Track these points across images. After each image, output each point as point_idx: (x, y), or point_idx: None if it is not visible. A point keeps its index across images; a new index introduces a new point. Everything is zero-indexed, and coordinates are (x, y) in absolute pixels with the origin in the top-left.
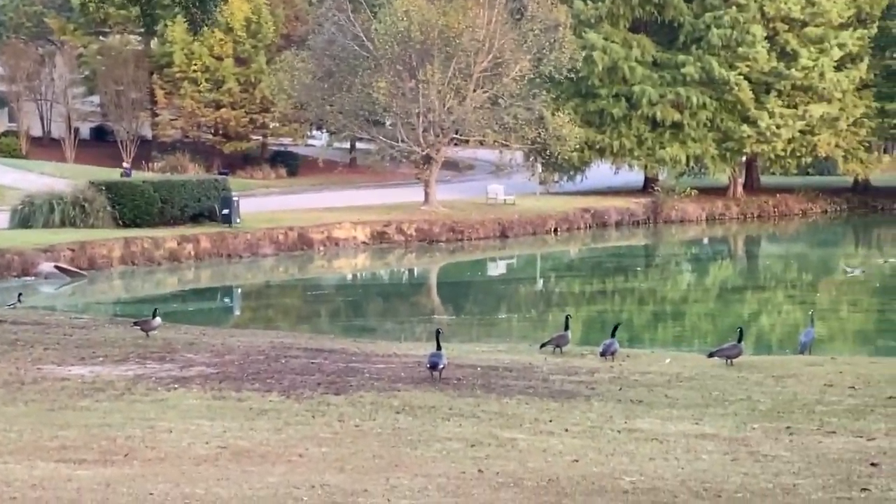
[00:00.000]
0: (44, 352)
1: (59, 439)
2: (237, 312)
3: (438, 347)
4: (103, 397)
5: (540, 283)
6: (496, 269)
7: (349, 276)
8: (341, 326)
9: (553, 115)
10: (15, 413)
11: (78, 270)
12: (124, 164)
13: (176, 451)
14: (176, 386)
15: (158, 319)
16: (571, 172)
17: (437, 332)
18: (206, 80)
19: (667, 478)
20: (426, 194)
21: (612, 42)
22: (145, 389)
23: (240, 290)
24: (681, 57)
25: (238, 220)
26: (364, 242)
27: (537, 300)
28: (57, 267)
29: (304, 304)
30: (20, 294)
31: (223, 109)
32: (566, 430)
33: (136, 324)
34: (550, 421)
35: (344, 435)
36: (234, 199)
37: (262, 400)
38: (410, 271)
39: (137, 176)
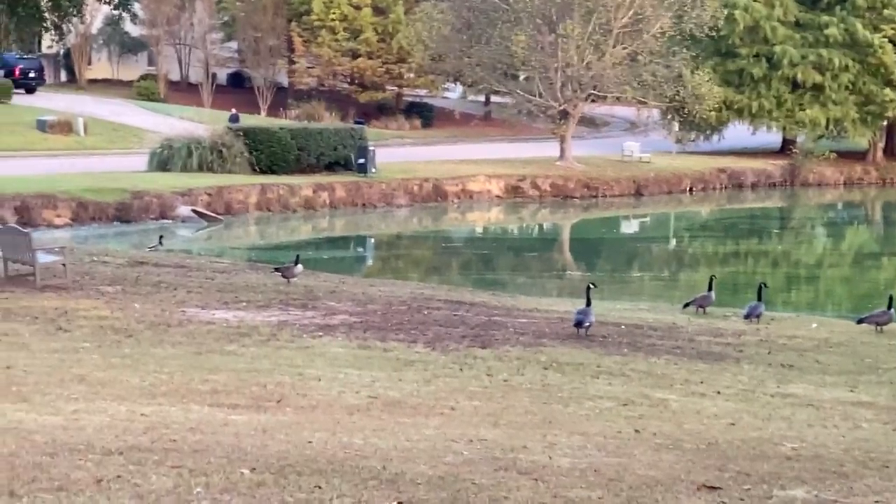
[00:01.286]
0: (187, 295)
1: (210, 383)
2: (370, 262)
3: (588, 303)
4: (249, 342)
5: (673, 242)
6: (629, 227)
7: (482, 230)
8: (472, 279)
9: (692, 73)
10: (163, 355)
11: (214, 215)
12: (232, 110)
13: (327, 399)
14: (320, 334)
15: (300, 266)
16: (708, 132)
17: (588, 288)
18: (344, 30)
19: (829, 445)
20: (561, 150)
21: (755, 1)
22: (290, 336)
23: (373, 240)
24: (824, 18)
25: (374, 170)
26: (498, 196)
27: (670, 260)
28: (194, 211)
29: (437, 256)
30: (161, 237)
31: (360, 59)
32: (718, 393)
33: (277, 270)
34: (701, 382)
35: (493, 389)
36: (371, 148)
37: (407, 351)
38: (543, 227)
39: (274, 123)
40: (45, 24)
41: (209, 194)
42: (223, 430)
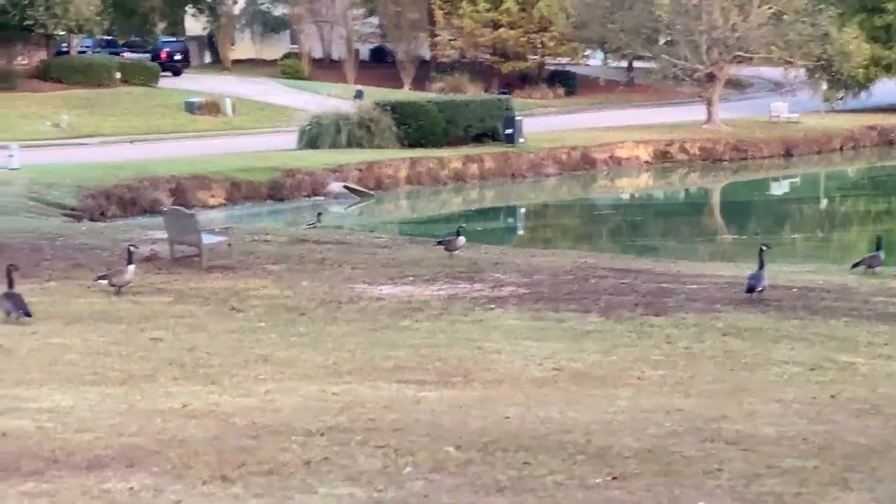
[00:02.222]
0: (352, 271)
1: (392, 360)
2: (521, 232)
3: (761, 266)
4: (422, 317)
5: (824, 202)
6: (779, 188)
7: (630, 196)
8: (625, 246)
9: (838, 30)
10: (340, 333)
11: (366, 190)
12: (357, 87)
13: (512, 372)
14: (492, 306)
15: (462, 239)
16: (856, 89)
17: (761, 251)
18: (485, 0)
19: None
20: (708, 113)
21: None
22: (462, 309)
23: (523, 210)
24: None
25: (521, 140)
26: (647, 161)
27: (822, 220)
28: (346, 187)
29: (588, 224)
30: (320, 214)
31: (501, 29)
32: None
33: (439, 243)
34: (885, 345)
35: (676, 357)
36: (518, 118)
37: (582, 321)
38: (693, 190)
39: (421, 96)
40: (199, 6)
41: (360, 170)
42: (417, 407)
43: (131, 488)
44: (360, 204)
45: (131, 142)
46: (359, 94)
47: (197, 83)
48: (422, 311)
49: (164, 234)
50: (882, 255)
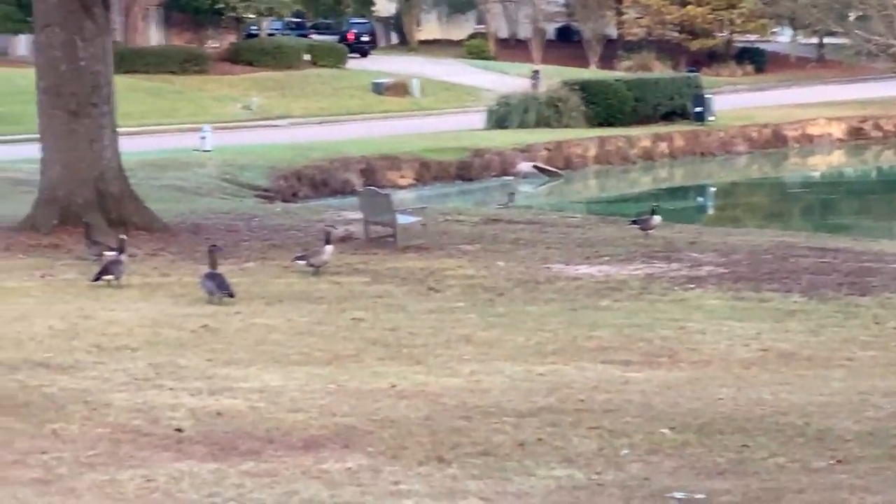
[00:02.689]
0: (547, 251)
1: (595, 340)
2: (711, 211)
3: None
4: (622, 297)
5: None
6: None
7: (822, 174)
8: (816, 224)
9: None
10: (539, 313)
11: (555, 170)
12: (534, 68)
13: (718, 353)
14: (691, 286)
15: (657, 218)
16: None
17: None
18: None
19: None
20: None
21: None
22: (661, 289)
23: (713, 189)
24: None
25: (711, 118)
26: (839, 139)
27: None
28: (535, 166)
29: (779, 202)
30: (512, 193)
31: (689, 7)
32: None
33: (634, 222)
34: None
35: (886, 339)
36: (707, 96)
37: (785, 301)
38: (887, 168)
39: (609, 75)
40: None
41: (548, 149)
42: (626, 388)
43: (349, 468)
44: (549, 184)
45: (320, 123)
46: (535, 75)
47: (384, 64)
48: (620, 291)
49: (357, 215)
50: None
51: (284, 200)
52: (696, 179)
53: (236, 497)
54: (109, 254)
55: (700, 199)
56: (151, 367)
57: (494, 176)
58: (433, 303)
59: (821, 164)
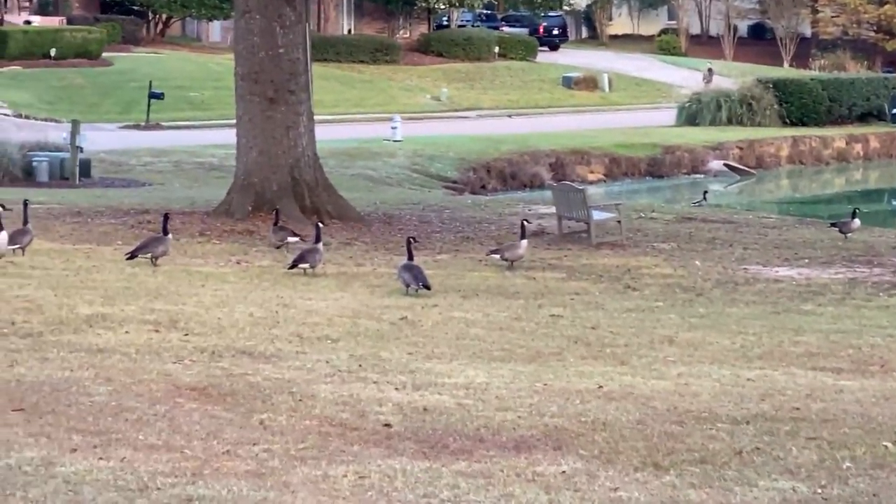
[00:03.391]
0: (744, 251)
1: (801, 345)
2: None
3: None
4: (824, 301)
5: None
6: None
7: None
8: None
9: None
10: (740, 315)
11: (746, 169)
12: (707, 64)
13: None
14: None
15: (857, 221)
16: None
17: None
18: None
19: None
20: None
21: None
22: (865, 295)
23: None
24: None
25: None
26: None
27: None
28: (726, 165)
29: None
30: (706, 192)
31: (887, 6)
32: None
33: (833, 225)
34: None
35: None
36: None
37: None
38: None
39: (804, 74)
40: None
41: (740, 148)
42: (841, 397)
43: (563, 472)
44: (741, 183)
45: (509, 116)
46: (709, 73)
47: (574, 58)
48: (822, 295)
49: (548, 209)
50: None
51: (473, 192)
52: (891, 182)
53: (452, 498)
54: (293, 239)
55: (894, 203)
56: (354, 359)
57: (685, 173)
58: (631, 301)
59: None
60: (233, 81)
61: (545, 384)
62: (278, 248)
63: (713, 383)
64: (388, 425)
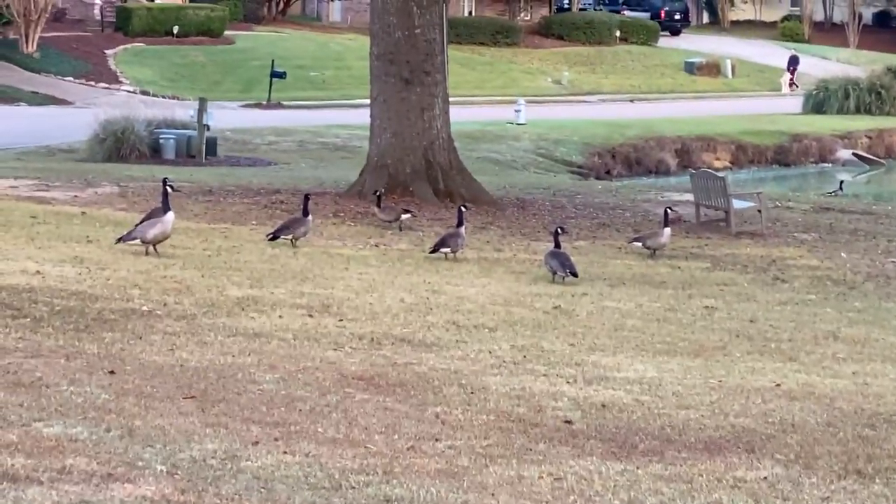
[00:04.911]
0: (889, 244)
1: None
2: None
3: None
4: None
5: None
6: None
7: None
8: None
9: None
10: None
11: (876, 158)
12: (792, 51)
13: None
14: None
15: None
16: None
17: None
18: None
19: None
20: None
21: None
22: None
23: None
24: None
25: None
26: None
27: None
28: (855, 154)
29: None
30: (842, 182)
31: None
32: None
33: None
34: None
35: None
36: None
37: None
38: None
39: None
40: None
41: (869, 137)
42: None
43: (765, 478)
44: (870, 172)
45: (631, 101)
46: (794, 60)
47: (695, 43)
48: None
49: (680, 196)
50: None
51: (598, 178)
52: None
53: None
54: (405, 216)
55: None
56: (516, 350)
57: (812, 162)
58: (783, 294)
59: None
60: (353, 62)
61: (719, 381)
62: (392, 226)
63: (894, 384)
64: (568, 422)
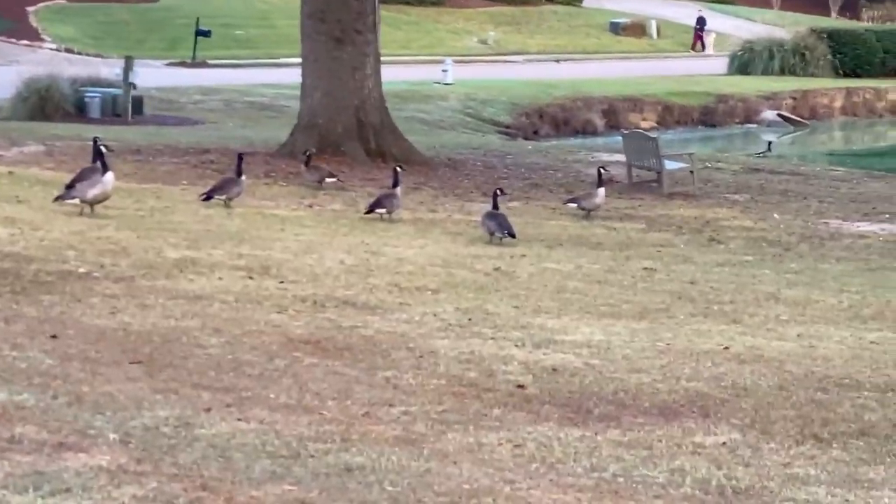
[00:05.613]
0: (820, 205)
1: None
2: None
3: None
4: None
5: None
6: None
7: None
8: None
9: None
10: (834, 272)
11: (800, 120)
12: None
13: None
14: None
15: None
16: None
17: None
18: None
19: None
20: None
21: None
22: None
23: None
24: None
25: None
26: None
27: None
28: (780, 115)
29: None
30: (770, 143)
31: None
32: None
33: None
34: None
35: None
36: None
37: None
38: None
39: (858, 25)
40: None
41: (793, 98)
42: None
43: (724, 444)
44: (794, 133)
45: (557, 61)
46: (700, 22)
47: (621, 4)
48: None
49: (611, 157)
50: None
51: (525, 138)
52: None
53: (622, 472)
54: (330, 180)
55: None
56: (461, 313)
57: (738, 123)
58: (719, 255)
59: None
60: (279, 20)
61: (667, 344)
62: (316, 186)
63: (840, 347)
64: (521, 386)
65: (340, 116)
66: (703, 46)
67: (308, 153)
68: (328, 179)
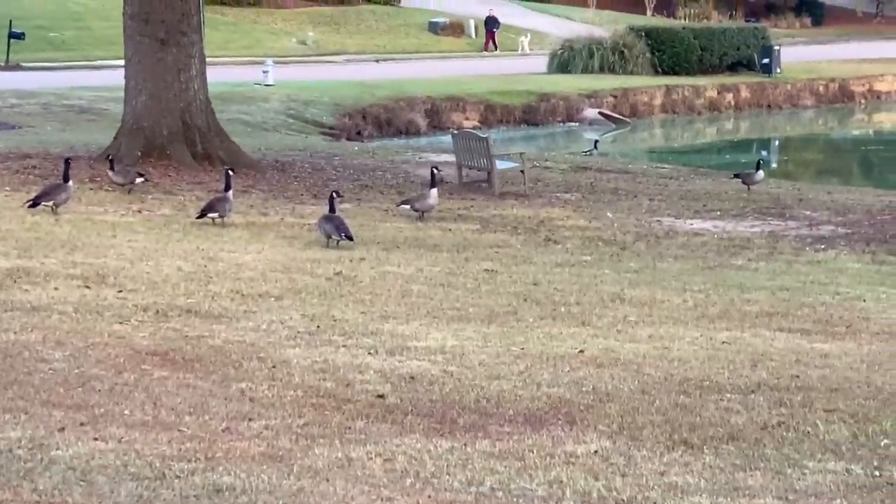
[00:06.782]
0: (651, 202)
1: (753, 303)
2: (773, 165)
3: None
4: (752, 256)
5: None
6: None
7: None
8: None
9: None
10: (674, 271)
11: (622, 117)
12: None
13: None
14: (821, 246)
15: (761, 173)
16: None
17: None
18: None
19: None
20: None
21: None
22: (791, 249)
23: (777, 142)
24: None
25: (778, 70)
26: None
27: None
28: (601, 113)
29: (849, 158)
30: (596, 141)
31: None
32: None
33: (736, 176)
34: None
35: None
36: (776, 48)
37: None
38: None
39: (675, 23)
40: None
41: (614, 96)
42: (830, 362)
43: (595, 452)
44: (616, 132)
45: (377, 61)
46: (491, 23)
47: (440, 4)
48: (749, 250)
49: (438, 157)
50: None
51: (349, 139)
52: (761, 132)
53: (498, 485)
54: (140, 180)
55: (763, 153)
56: (308, 319)
57: (560, 121)
58: (557, 255)
59: (887, 121)
60: (94, 21)
61: (521, 349)
62: (125, 189)
63: (692, 347)
64: (381, 396)
65: (166, 119)
66: (496, 46)
67: (110, 156)
68: (138, 180)
